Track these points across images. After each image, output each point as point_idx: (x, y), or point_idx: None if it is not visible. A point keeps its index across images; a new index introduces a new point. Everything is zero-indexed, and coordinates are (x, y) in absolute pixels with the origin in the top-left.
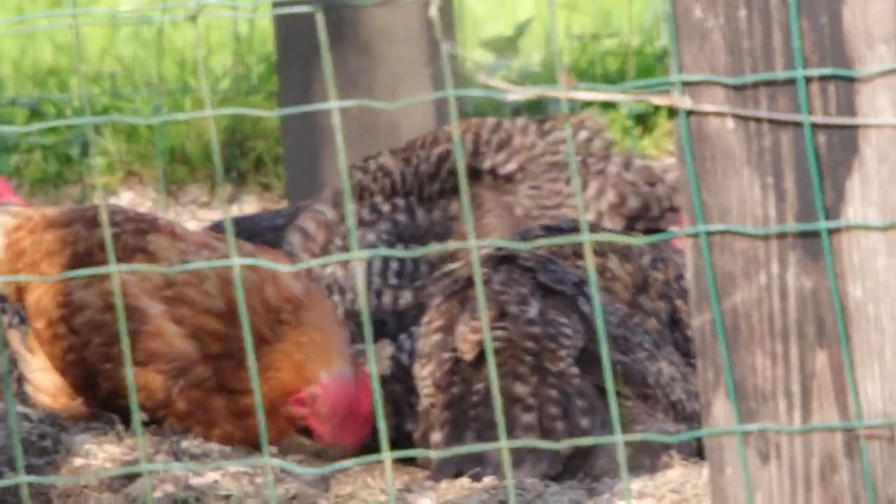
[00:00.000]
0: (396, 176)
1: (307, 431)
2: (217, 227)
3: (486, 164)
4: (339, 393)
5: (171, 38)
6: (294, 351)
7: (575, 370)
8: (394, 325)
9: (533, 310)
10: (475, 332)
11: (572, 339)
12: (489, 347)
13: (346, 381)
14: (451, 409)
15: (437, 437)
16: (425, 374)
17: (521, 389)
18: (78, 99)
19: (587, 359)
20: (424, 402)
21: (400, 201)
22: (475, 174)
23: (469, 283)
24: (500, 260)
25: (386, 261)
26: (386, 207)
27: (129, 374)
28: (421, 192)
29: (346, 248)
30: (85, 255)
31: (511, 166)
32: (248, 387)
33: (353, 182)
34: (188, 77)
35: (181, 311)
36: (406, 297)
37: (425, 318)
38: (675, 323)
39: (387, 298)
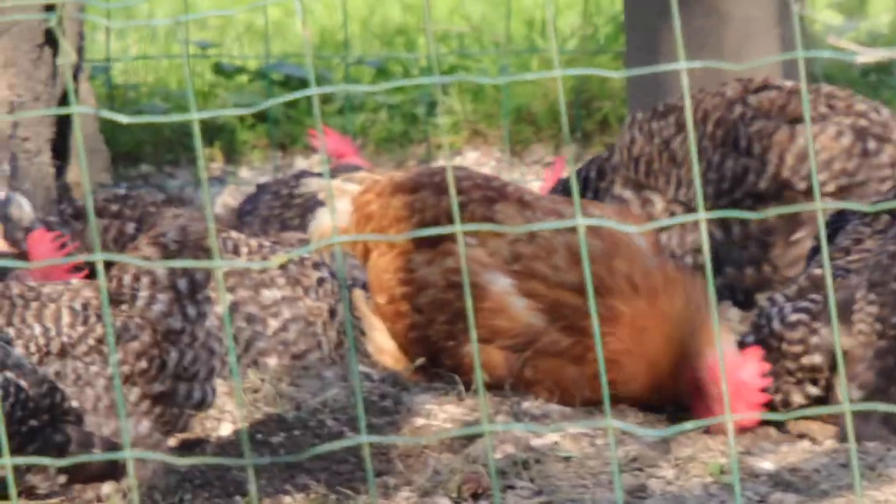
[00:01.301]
0: None
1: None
2: (560, 187)
3: None
4: (725, 368)
5: None
6: (655, 315)
7: None
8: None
9: None
10: None
11: None
12: None
13: (734, 356)
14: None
15: (856, 392)
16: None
17: None
18: (425, 58)
19: None
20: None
21: None
22: None
23: None
24: None
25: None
26: None
27: (476, 354)
28: None
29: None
30: (432, 223)
31: None
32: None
33: None
34: (535, 37)
35: (530, 284)
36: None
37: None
38: None
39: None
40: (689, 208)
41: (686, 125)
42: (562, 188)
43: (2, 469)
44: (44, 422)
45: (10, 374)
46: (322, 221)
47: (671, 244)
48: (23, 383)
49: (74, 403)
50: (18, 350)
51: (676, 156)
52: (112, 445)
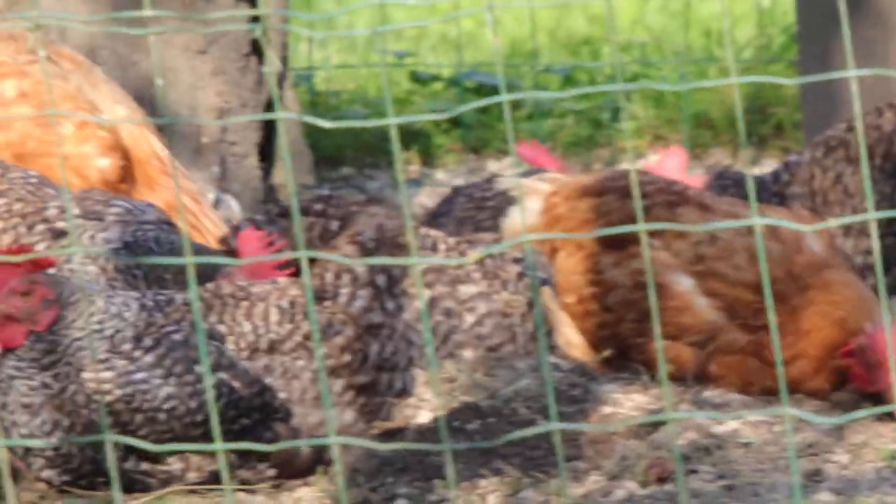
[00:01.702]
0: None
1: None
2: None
3: None
4: (887, 341)
5: (697, 9)
6: (831, 310)
7: None
8: None
9: None
10: None
11: None
12: None
13: (891, 329)
14: None
15: None
16: None
17: None
18: (609, 67)
19: None
20: None
21: None
22: None
23: None
24: None
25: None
26: None
27: (660, 348)
28: None
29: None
30: (618, 225)
31: None
32: (785, 350)
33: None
34: (713, 47)
35: (712, 284)
36: None
37: None
38: None
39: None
40: (864, 234)
41: (855, 158)
42: (717, 186)
43: (216, 464)
44: (254, 420)
45: (223, 375)
46: (515, 219)
47: (846, 247)
48: (235, 384)
49: (283, 395)
50: (230, 348)
51: (849, 188)
52: (319, 447)
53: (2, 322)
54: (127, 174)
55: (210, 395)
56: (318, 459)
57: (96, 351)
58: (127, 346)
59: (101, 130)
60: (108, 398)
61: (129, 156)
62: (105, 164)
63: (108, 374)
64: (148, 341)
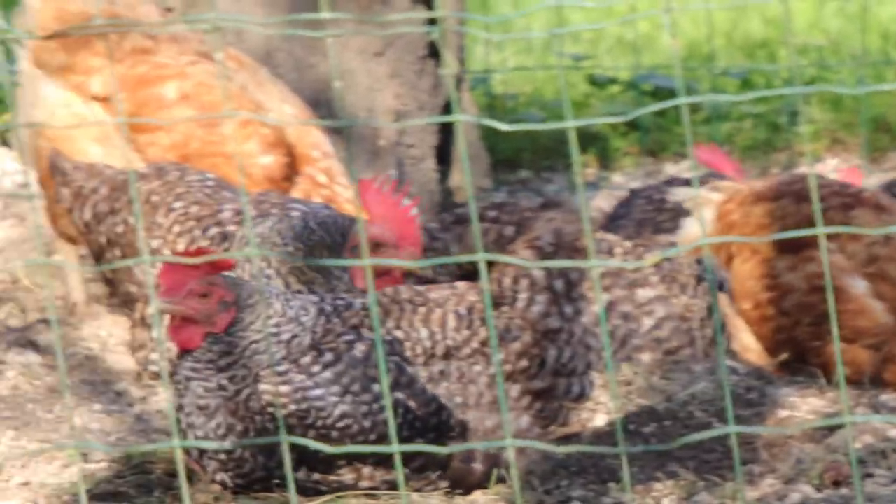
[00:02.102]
0: None
1: None
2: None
3: None
4: None
5: (875, 12)
6: None
7: None
8: None
9: None
10: None
11: None
12: None
13: None
14: None
15: None
16: None
17: None
18: (786, 70)
19: None
20: None
21: None
22: None
23: None
24: None
25: None
26: None
27: (838, 351)
28: None
29: None
30: (793, 230)
31: None
32: None
33: None
34: (891, 49)
35: (882, 286)
36: None
37: None
38: None
39: None
40: None
41: None
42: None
43: (389, 474)
44: (429, 440)
45: (400, 395)
46: (689, 231)
47: None
48: (412, 403)
49: (458, 399)
50: (408, 364)
51: None
52: (491, 458)
53: (180, 324)
54: (291, 171)
55: (389, 415)
56: (492, 474)
57: (273, 356)
58: (306, 359)
59: (264, 128)
60: (283, 412)
61: (293, 152)
62: (268, 162)
63: (284, 388)
64: (328, 356)
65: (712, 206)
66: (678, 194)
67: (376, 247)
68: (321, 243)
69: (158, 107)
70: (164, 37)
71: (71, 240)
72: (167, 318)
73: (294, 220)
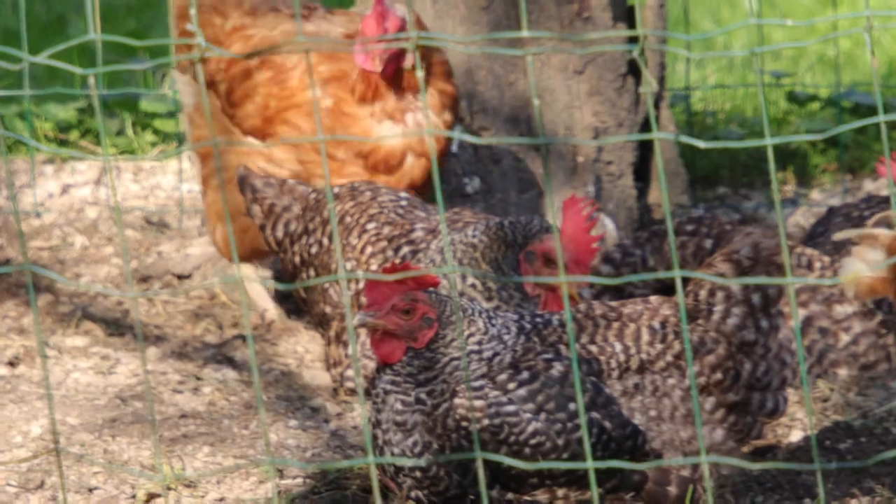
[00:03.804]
0: None
1: None
2: None
3: None
4: None
5: None
6: None
7: None
8: None
9: None
10: None
11: None
12: None
13: None
14: None
15: None
16: None
17: None
18: None
19: None
20: None
21: None
22: None
23: None
24: None
25: None
26: None
27: None
28: None
29: None
30: None
31: None
32: None
33: None
34: None
35: None
36: None
37: None
38: None
39: None
40: None
41: None
42: None
43: (583, 494)
44: (623, 461)
45: (596, 415)
46: (853, 268)
47: None
48: (607, 424)
49: (652, 413)
50: (608, 389)
51: None
52: (686, 482)
53: (382, 338)
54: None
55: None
56: (687, 497)
57: (471, 373)
58: (503, 377)
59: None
60: (477, 426)
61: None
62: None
63: (479, 403)
64: (525, 374)
65: (881, 246)
66: (841, 235)
67: (548, 262)
68: (502, 239)
69: (246, 77)
70: (265, 9)
71: (257, 255)
72: (369, 332)
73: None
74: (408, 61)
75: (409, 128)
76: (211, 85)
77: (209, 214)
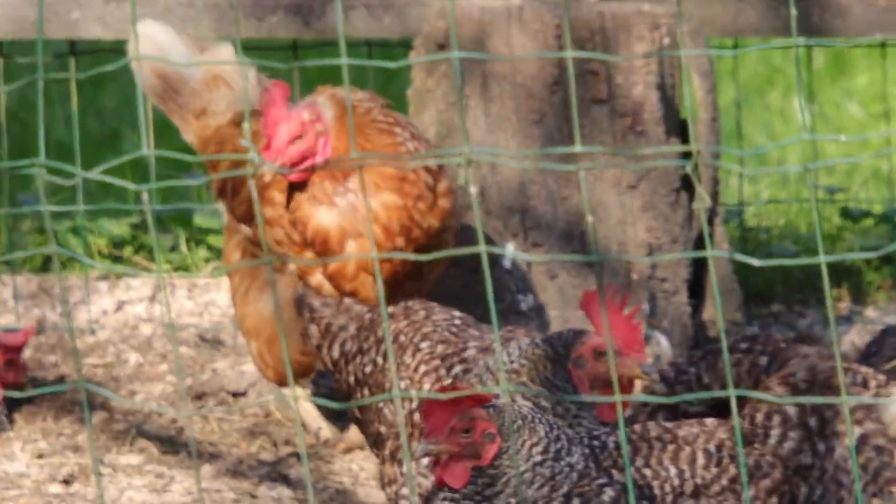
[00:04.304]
0: None
1: None
2: None
3: None
4: None
5: None
6: None
7: None
8: None
9: None
10: None
11: None
12: None
13: None
14: None
15: None
16: None
17: None
18: None
19: None
20: None
21: None
22: None
23: None
24: None
25: None
26: None
27: None
28: None
29: None
30: None
31: None
32: None
33: None
34: None
35: None
36: None
37: None
38: None
39: None
40: None
41: None
42: None
43: None
44: None
45: None
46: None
47: None
48: None
49: None
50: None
51: None
52: None
53: (447, 463)
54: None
55: None
56: None
57: (532, 495)
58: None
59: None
60: None
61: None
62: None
63: None
64: (576, 502)
65: None
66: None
67: (600, 356)
68: (544, 356)
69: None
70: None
71: (297, 372)
72: (431, 460)
73: (521, 341)
74: (318, 159)
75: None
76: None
77: (243, 330)
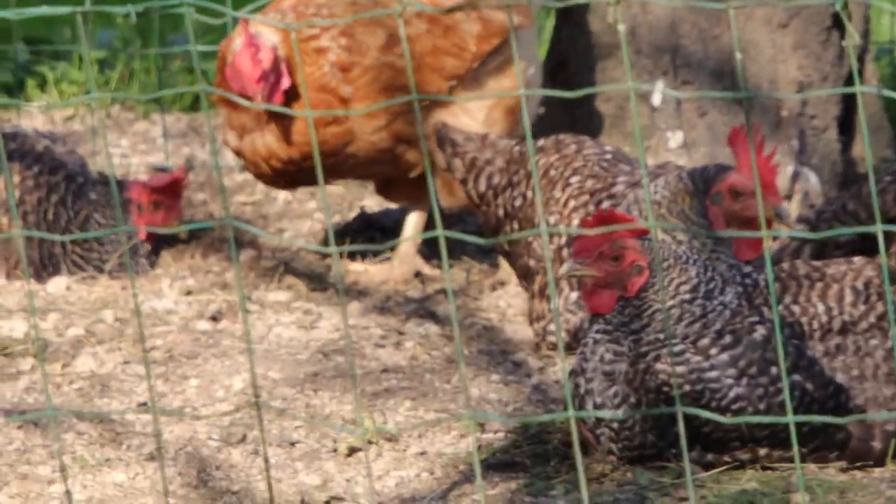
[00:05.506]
0: None
1: None
2: None
3: None
4: None
5: None
6: None
7: None
8: None
9: None
10: None
11: None
12: None
13: None
14: None
15: None
16: None
17: None
18: None
19: None
20: None
21: None
22: None
23: None
24: None
25: None
26: None
27: None
28: None
29: None
30: None
31: None
32: None
33: None
34: None
35: None
36: None
37: None
38: None
39: None
40: None
41: None
42: None
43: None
44: (826, 423)
45: (798, 377)
46: None
47: None
48: (808, 386)
49: (854, 372)
50: (810, 351)
51: None
52: (890, 436)
53: (592, 288)
54: None
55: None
56: (889, 450)
57: (678, 330)
58: (705, 341)
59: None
60: (678, 391)
61: None
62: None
63: (680, 369)
64: (728, 339)
65: None
66: None
67: (736, 195)
68: (684, 190)
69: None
70: None
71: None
72: (579, 283)
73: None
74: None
75: None
76: None
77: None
